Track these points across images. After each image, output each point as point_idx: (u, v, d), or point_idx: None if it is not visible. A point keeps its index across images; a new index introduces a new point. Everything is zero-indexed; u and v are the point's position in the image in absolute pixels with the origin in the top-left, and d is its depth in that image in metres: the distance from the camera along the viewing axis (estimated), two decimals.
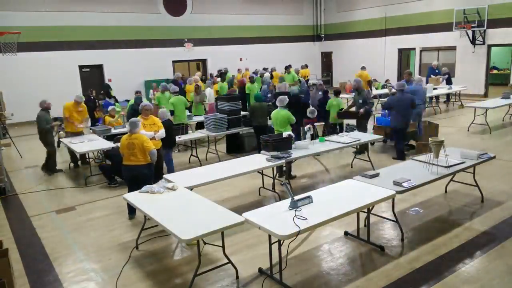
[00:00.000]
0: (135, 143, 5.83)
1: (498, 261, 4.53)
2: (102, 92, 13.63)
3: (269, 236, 4.11)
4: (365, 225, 5.14)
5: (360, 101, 8.92)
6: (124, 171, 6.12)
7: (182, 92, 12.29)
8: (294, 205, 4.33)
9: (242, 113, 10.13)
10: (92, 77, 17.28)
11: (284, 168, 7.26)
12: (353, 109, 9.26)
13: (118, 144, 6.53)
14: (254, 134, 9.26)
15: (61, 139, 9.26)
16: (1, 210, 6.91)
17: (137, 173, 5.92)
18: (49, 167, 8.90)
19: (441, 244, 4.96)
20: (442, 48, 18.30)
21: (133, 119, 6.08)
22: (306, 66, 18.99)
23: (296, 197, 4.46)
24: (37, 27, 15.71)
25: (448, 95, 15.50)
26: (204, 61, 20.36)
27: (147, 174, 5.91)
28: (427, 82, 15.18)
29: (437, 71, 15.64)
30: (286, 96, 7.80)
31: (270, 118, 8.24)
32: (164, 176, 5.88)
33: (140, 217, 5.95)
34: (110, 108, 10.20)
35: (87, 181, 8.10)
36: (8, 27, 13.63)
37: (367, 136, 8.04)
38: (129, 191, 5.76)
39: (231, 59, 20.17)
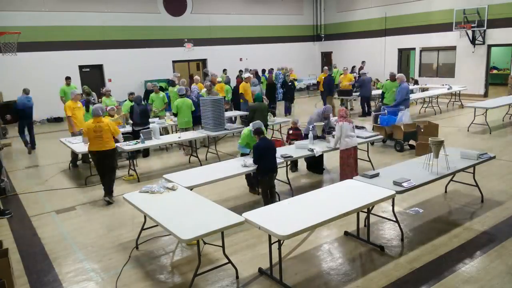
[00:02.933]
0: None
1: (498, 261, 4.53)
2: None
3: (269, 236, 4.11)
4: (365, 225, 5.14)
5: None
6: None
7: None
8: None
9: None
10: (92, 77, 17.28)
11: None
12: None
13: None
14: None
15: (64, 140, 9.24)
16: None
17: None
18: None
19: (441, 244, 4.96)
20: (442, 48, 18.30)
21: None
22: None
23: None
24: (37, 27, 15.71)
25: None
26: (204, 61, 20.36)
27: None
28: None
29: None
30: None
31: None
32: (164, 176, 5.89)
33: (140, 217, 5.95)
34: (109, 108, 10.17)
35: (87, 181, 8.11)
36: (8, 27, 13.65)
37: (367, 135, 8.04)
38: None
39: (231, 59, 20.18)
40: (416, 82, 17.84)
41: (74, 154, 9.06)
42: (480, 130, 10.93)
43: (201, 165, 8.20)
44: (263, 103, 9.23)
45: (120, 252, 5.21)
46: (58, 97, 14.19)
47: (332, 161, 8.76)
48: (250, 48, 21.14)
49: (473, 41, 16.76)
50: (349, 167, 6.76)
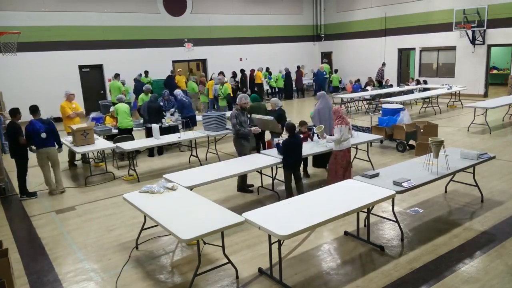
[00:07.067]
0: None
1: (498, 261, 4.53)
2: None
3: (269, 236, 4.11)
4: (365, 225, 5.14)
5: None
6: None
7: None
8: None
9: None
10: (92, 77, 17.28)
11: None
12: None
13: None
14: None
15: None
16: (1, 210, 6.91)
17: None
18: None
19: (441, 244, 4.96)
20: (442, 48, 18.30)
21: None
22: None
23: None
24: (37, 27, 15.70)
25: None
26: (204, 61, 20.37)
27: None
28: None
29: None
30: None
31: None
32: (164, 176, 5.89)
33: (140, 217, 5.95)
34: (111, 109, 10.21)
35: (87, 181, 8.10)
36: (8, 27, 13.63)
37: (366, 136, 8.04)
38: None
39: (231, 59, 20.19)
40: (418, 82, 17.85)
41: (72, 154, 9.08)
42: (480, 130, 10.93)
43: (201, 165, 8.20)
44: (261, 103, 9.39)
45: (120, 252, 5.21)
46: (57, 98, 14.15)
47: None
48: (250, 48, 21.14)
49: (473, 41, 16.77)
50: (342, 168, 6.67)
